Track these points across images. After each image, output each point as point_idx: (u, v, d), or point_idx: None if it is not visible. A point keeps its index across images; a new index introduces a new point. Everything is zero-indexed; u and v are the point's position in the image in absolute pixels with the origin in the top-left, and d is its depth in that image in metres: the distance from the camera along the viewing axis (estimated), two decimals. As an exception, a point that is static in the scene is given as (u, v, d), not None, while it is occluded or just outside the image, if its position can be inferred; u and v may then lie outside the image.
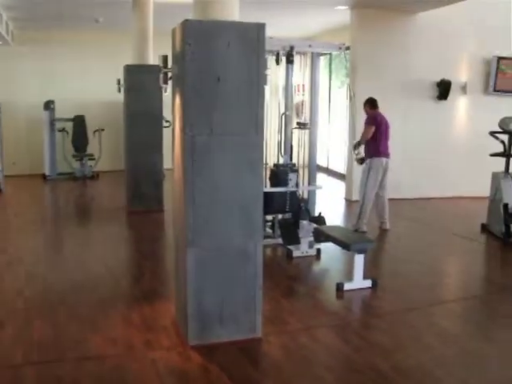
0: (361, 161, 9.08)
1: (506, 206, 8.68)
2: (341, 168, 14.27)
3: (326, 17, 12.64)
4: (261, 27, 4.69)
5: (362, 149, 9.09)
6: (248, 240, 4.88)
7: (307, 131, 8.21)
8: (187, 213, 4.70)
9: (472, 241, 8.87)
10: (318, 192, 8.58)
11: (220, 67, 4.60)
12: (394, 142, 10.93)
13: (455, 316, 6.00)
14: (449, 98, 11.86)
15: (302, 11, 11.89)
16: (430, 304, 6.19)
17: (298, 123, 8.39)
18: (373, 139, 8.91)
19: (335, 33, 13.64)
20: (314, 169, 8.26)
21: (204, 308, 4.86)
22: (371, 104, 9.16)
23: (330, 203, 11.40)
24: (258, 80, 4.74)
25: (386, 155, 8.99)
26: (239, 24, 4.71)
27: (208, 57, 4.56)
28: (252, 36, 4.67)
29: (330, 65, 15.64)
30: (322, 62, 16.14)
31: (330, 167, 15.66)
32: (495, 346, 5.24)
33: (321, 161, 15.78)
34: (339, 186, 13.09)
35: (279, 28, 12.92)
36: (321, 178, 14.41)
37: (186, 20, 4.53)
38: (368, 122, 9.04)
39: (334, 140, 15.62)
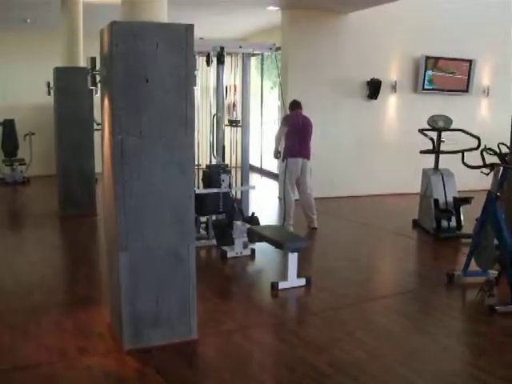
0: (283, 160, 9.15)
1: (436, 201, 8.88)
2: (274, 168, 14.33)
3: (258, 17, 12.70)
4: (189, 28, 4.67)
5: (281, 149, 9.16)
6: (180, 242, 4.86)
7: (239, 133, 8.21)
8: (118, 216, 4.64)
9: (404, 237, 9.05)
10: (252, 192, 8.61)
11: (148, 68, 4.56)
12: (325, 141, 11.12)
13: (388, 311, 6.07)
14: (379, 96, 12.08)
15: (234, 12, 11.93)
16: (364, 300, 6.28)
17: (229, 120, 8.37)
18: (288, 140, 8.98)
19: (268, 33, 13.71)
20: (246, 169, 8.27)
21: (138, 312, 4.81)
22: (290, 105, 9.23)
23: (265, 203, 11.45)
24: (187, 81, 4.72)
25: (302, 155, 9.03)
26: (167, 25, 4.69)
27: (136, 58, 4.52)
28: (180, 37, 4.65)
29: (262, 65, 15.69)
30: (254, 62, 16.24)
31: (264, 167, 15.70)
32: (428, 339, 5.35)
33: (254, 161, 15.87)
34: (273, 186, 13.15)
35: (213, 29, 12.94)
36: (254, 178, 14.53)
37: (114, 21, 4.48)
38: (281, 123, 9.16)
39: (266, 140, 15.65)
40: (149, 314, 4.84)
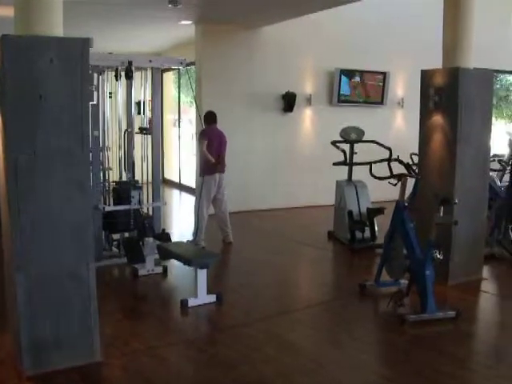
0: (200, 175, 9.02)
1: (350, 212, 8.94)
2: (192, 183, 14.19)
3: (171, 32, 12.59)
4: (85, 42, 4.56)
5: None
6: (79, 262, 4.69)
7: (150, 149, 8.04)
8: (13, 237, 4.46)
9: (319, 249, 9.06)
10: (169, 208, 8.47)
11: (42, 84, 4.41)
12: (240, 155, 11.09)
13: (300, 325, 6.05)
14: (294, 109, 12.11)
15: (146, 26, 11.79)
16: (275, 315, 6.22)
17: (139, 128, 8.18)
18: (206, 154, 8.84)
19: (184, 48, 13.57)
20: (157, 184, 8.09)
21: (38, 335, 4.61)
22: (206, 118, 9.13)
23: (182, 218, 11.33)
24: (82, 96, 4.58)
25: (219, 171, 8.93)
26: (62, 39, 4.54)
27: (29, 74, 4.36)
28: (76, 51, 4.52)
29: (179, 80, 15.60)
30: (172, 77, 16.17)
31: (182, 182, 15.53)
32: (339, 351, 5.34)
33: (173, 176, 15.75)
34: (191, 201, 13.00)
35: (127, 44, 12.79)
36: (173, 193, 14.39)
37: (4, 35, 4.31)
38: (200, 138, 9.02)
39: (184, 156, 15.52)
40: (49, 336, 4.65)
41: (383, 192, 9.11)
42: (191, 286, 7.08)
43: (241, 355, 5.16)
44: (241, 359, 5.08)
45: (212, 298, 6.41)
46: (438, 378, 4.80)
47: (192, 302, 6.29)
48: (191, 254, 6.63)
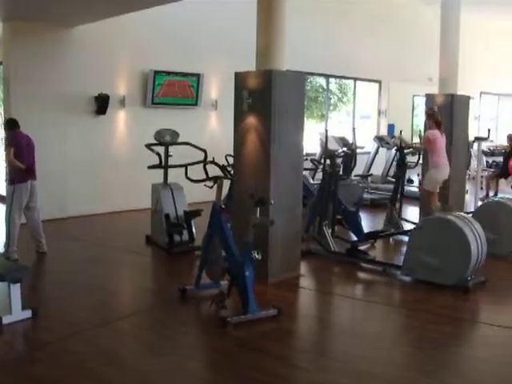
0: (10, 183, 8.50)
1: (167, 216, 8.84)
2: (1, 191, 13.42)
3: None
4: None
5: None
6: None
7: None
8: None
9: (137, 254, 8.87)
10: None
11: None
12: (53, 160, 10.70)
13: (122, 335, 5.87)
14: (108, 112, 11.79)
15: None
16: (96, 326, 5.95)
17: None
18: (15, 162, 8.35)
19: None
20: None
21: None
22: (8, 124, 8.62)
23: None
24: None
25: (31, 178, 8.46)
26: None
27: None
28: None
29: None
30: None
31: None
32: (161, 359, 5.22)
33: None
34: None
35: None
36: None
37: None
38: (6, 144, 8.51)
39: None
40: None
41: (200, 193, 9.13)
42: (5, 302, 6.62)
43: (62, 372, 4.92)
44: (62, 377, 4.83)
45: (28, 313, 6.03)
46: (264, 378, 4.85)
47: (6, 320, 5.87)
48: (2, 268, 6.21)
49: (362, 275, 8.13)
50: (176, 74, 12.66)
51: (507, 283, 7.68)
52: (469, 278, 7.07)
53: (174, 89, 12.73)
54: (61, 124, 11.26)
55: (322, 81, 16.92)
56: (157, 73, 12.36)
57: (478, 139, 11.96)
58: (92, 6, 9.65)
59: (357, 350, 5.49)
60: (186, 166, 8.00)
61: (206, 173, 6.84)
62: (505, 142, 15.83)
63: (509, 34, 21.07)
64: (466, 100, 11.14)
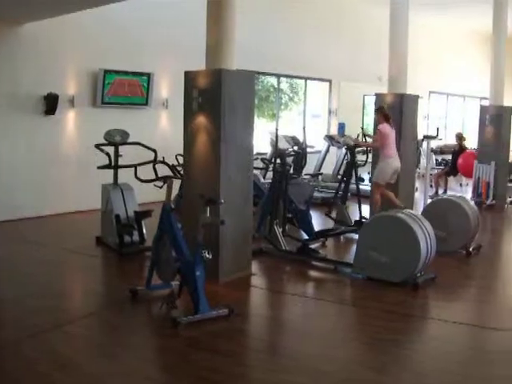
0: None
1: (117, 216, 8.75)
2: None
3: None
4: None
5: None
6: None
7: None
8: None
9: (87, 255, 8.73)
10: None
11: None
12: (1, 161, 10.42)
13: (73, 338, 5.78)
14: (57, 112, 11.58)
15: None
16: (46, 330, 5.83)
17: None
18: None
19: None
20: None
21: None
22: None
23: None
24: None
25: None
26: None
27: None
28: None
29: None
30: None
31: None
32: (113, 362, 5.20)
33: None
34: None
35: None
36: None
37: None
38: None
39: None
40: None
41: (150, 194, 9.07)
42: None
43: (11, 378, 4.83)
44: (13, 381, 4.76)
45: (-26, 317, 5.92)
46: (217, 378, 4.86)
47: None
48: None
49: (313, 273, 8.19)
50: (126, 73, 12.52)
51: (456, 280, 7.84)
52: (418, 275, 7.19)
53: (124, 88, 12.59)
54: (8, 124, 11.00)
55: (273, 80, 16.96)
56: (106, 72, 12.20)
57: (427, 138, 12.10)
58: (32, 4, 9.48)
59: (309, 348, 5.54)
60: (135, 166, 7.93)
61: (156, 173, 6.80)
62: (453, 141, 16.08)
63: (456, 34, 21.47)
64: (414, 99, 11.32)
